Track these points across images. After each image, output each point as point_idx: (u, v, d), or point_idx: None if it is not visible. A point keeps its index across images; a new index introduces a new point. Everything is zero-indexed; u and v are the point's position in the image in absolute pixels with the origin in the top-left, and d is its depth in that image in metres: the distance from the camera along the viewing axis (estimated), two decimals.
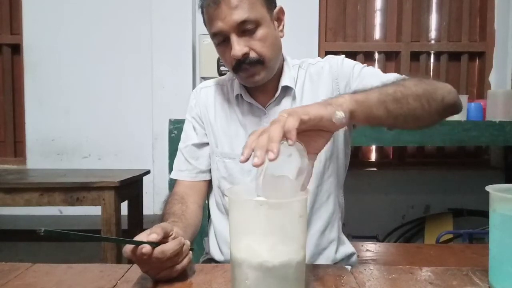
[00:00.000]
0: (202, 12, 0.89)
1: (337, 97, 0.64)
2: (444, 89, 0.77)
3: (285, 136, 0.55)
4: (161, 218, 0.88)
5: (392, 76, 0.86)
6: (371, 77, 0.89)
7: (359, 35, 2.60)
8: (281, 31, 0.93)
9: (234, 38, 0.84)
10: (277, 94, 0.95)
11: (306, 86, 0.97)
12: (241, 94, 0.96)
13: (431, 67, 2.64)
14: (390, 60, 2.62)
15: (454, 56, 2.62)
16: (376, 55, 2.63)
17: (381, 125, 0.72)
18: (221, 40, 0.87)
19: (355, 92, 0.67)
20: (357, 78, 0.92)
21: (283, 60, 0.97)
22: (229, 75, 1.03)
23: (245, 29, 0.84)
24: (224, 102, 1.00)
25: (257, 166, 0.53)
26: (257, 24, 0.85)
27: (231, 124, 0.98)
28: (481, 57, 2.61)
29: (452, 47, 2.59)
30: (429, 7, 2.61)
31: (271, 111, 0.95)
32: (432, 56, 2.63)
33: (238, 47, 0.84)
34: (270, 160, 0.52)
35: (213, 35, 0.88)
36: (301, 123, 0.56)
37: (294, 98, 0.95)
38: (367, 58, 2.60)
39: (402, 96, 0.69)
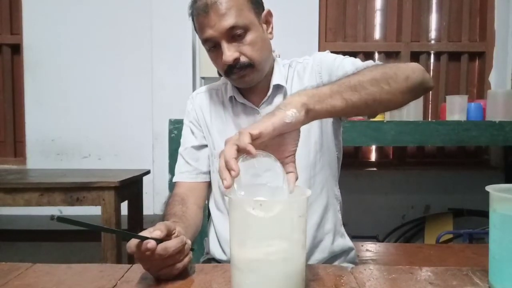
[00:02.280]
0: (193, 20, 0.92)
1: (287, 97, 0.65)
2: (407, 69, 0.77)
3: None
4: (162, 219, 0.88)
5: (365, 64, 0.87)
6: (350, 66, 0.92)
7: (359, 35, 2.60)
8: (270, 33, 0.97)
9: (224, 45, 0.87)
10: (269, 93, 0.98)
11: (294, 82, 1.00)
12: (234, 96, 0.99)
13: (431, 67, 2.64)
14: (390, 60, 2.62)
15: (454, 56, 2.62)
16: (376, 55, 2.63)
17: (346, 115, 0.73)
18: (212, 46, 0.90)
19: (306, 89, 0.67)
20: (338, 68, 0.94)
21: (273, 60, 1.00)
22: (222, 79, 1.07)
23: (234, 34, 0.87)
24: (219, 105, 1.03)
25: (228, 187, 0.55)
26: (245, 29, 0.88)
27: (226, 126, 1.00)
28: (481, 57, 2.61)
29: (452, 47, 2.59)
30: (429, 7, 2.61)
31: (264, 110, 0.98)
32: (432, 56, 2.63)
33: (229, 52, 0.87)
34: (234, 177, 0.55)
35: (204, 42, 0.91)
36: (253, 137, 0.57)
37: (285, 95, 0.98)
38: (367, 58, 2.59)
39: (358, 83, 0.69)
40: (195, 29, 0.94)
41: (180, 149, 1.05)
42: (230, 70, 0.90)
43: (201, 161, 1.03)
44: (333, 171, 1.02)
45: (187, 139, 1.05)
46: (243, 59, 0.89)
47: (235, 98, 0.99)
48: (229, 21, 0.85)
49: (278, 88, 0.98)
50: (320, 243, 0.99)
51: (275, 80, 0.98)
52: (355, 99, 0.68)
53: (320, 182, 0.98)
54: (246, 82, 0.93)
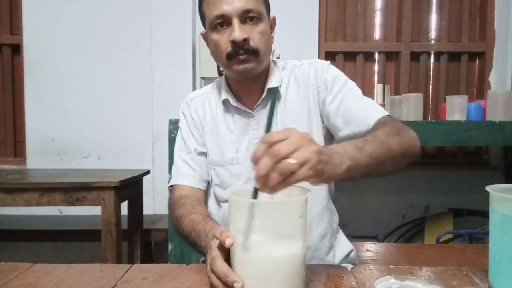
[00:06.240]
0: None
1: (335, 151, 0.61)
2: (414, 145, 0.80)
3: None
4: (187, 218, 0.86)
5: (370, 105, 0.89)
6: (353, 104, 0.91)
7: (359, 35, 2.60)
8: (272, 37, 0.96)
9: (236, 22, 0.86)
10: (263, 96, 0.96)
11: (291, 86, 0.98)
12: (228, 99, 0.97)
13: (431, 67, 2.64)
14: (390, 60, 2.62)
15: (454, 56, 2.61)
16: (376, 55, 2.62)
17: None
18: (221, 24, 0.88)
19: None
20: (336, 96, 0.93)
21: (269, 62, 0.99)
22: (216, 82, 1.05)
23: (248, 18, 0.87)
24: (212, 109, 1.01)
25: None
26: (259, 18, 0.88)
27: (219, 131, 0.99)
28: (481, 57, 2.61)
29: (452, 47, 2.59)
30: (429, 7, 2.61)
31: (258, 113, 0.97)
32: (432, 56, 2.63)
33: (240, 30, 0.86)
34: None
35: (215, 18, 0.88)
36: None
37: (279, 98, 0.97)
38: (367, 58, 2.59)
39: (383, 161, 0.69)
40: (200, 10, 0.93)
41: (181, 153, 1.02)
42: (235, 52, 0.87)
43: (203, 168, 1.01)
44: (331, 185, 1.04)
45: (189, 142, 1.02)
46: (251, 42, 0.87)
47: (229, 102, 0.98)
48: (247, 3, 0.86)
49: (272, 90, 0.96)
50: (325, 257, 0.99)
51: (271, 83, 0.96)
52: (374, 170, 0.68)
53: (326, 195, 1.00)
54: (246, 70, 0.89)
